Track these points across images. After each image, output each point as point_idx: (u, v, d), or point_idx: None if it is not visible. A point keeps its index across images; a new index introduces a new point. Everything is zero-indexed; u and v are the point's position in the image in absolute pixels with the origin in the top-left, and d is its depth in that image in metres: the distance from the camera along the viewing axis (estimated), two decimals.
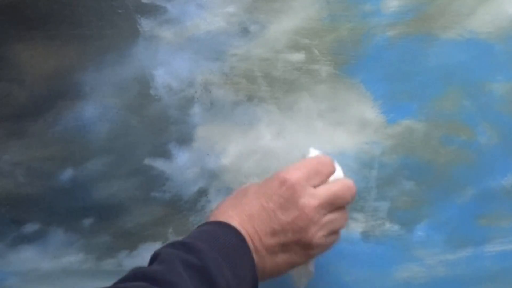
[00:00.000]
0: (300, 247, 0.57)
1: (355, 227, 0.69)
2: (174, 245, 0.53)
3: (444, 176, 0.69)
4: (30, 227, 0.67)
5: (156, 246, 0.68)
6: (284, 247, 0.56)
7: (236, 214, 0.56)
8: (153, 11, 0.64)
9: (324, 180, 0.59)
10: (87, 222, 0.67)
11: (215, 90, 0.68)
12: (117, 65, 0.64)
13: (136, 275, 0.49)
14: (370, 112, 0.68)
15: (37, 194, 0.66)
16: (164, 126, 0.68)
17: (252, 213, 0.56)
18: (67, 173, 0.66)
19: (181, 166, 0.69)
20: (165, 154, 0.68)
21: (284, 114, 0.68)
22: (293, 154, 0.68)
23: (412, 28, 0.67)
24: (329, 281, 0.70)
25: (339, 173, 0.61)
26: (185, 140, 0.69)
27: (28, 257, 0.68)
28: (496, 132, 0.69)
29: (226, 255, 0.52)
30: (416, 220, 0.70)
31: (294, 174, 0.57)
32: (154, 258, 0.52)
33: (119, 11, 0.63)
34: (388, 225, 0.70)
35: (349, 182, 0.60)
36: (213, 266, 0.50)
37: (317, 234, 0.57)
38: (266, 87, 0.67)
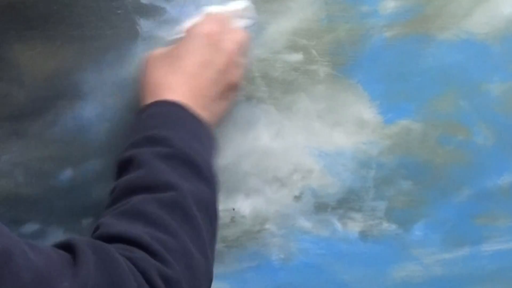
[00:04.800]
0: (230, 90, 0.62)
1: (353, 226, 0.70)
2: (139, 143, 0.55)
3: (441, 175, 0.69)
4: (29, 227, 0.66)
5: None
6: (221, 93, 0.60)
7: (178, 78, 0.59)
8: (152, 11, 0.64)
9: (228, 31, 0.62)
10: (87, 222, 0.67)
11: None
12: (116, 65, 0.64)
13: (128, 188, 0.51)
14: (367, 112, 0.69)
15: (36, 194, 0.66)
16: None
17: (192, 72, 0.59)
18: (67, 173, 0.66)
19: None
20: None
21: (283, 114, 0.68)
22: (291, 154, 0.68)
23: (410, 29, 0.67)
24: (327, 280, 0.70)
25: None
26: None
27: None
28: (493, 132, 0.69)
29: (186, 130, 0.56)
30: (413, 220, 0.70)
31: (209, 26, 0.61)
32: (127, 163, 0.53)
33: (118, 11, 0.64)
34: (385, 225, 0.70)
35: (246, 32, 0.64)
36: (187, 147, 0.54)
37: (239, 75, 0.62)
38: (264, 88, 0.67)
